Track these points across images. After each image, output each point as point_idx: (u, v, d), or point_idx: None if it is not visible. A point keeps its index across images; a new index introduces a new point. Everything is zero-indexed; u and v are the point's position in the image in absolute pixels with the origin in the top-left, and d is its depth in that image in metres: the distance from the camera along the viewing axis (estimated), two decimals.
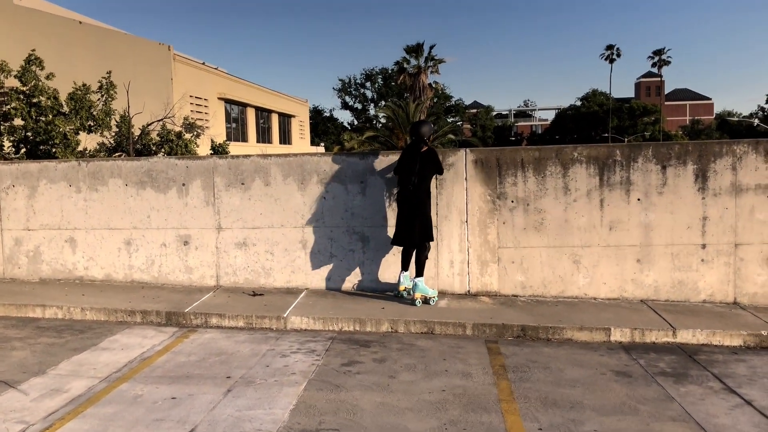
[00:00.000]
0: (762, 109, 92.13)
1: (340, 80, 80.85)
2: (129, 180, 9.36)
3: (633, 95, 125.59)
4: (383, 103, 71.92)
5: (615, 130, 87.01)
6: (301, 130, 49.89)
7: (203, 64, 32.96)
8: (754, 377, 5.96)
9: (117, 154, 20.77)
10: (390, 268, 8.75)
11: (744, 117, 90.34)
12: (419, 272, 8.11)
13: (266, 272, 9.04)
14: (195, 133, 24.52)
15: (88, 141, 19.79)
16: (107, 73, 18.96)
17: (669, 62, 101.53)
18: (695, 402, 5.38)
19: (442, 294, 8.58)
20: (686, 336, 7.01)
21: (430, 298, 8.14)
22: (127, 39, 29.20)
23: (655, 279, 8.19)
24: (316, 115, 77.08)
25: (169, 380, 5.93)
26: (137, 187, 9.33)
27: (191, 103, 29.72)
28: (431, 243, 8.32)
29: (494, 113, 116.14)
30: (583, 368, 6.21)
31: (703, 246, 8.10)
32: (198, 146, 24.59)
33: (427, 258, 8.21)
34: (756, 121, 74.34)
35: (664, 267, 8.16)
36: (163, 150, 21.92)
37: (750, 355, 6.65)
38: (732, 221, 8.05)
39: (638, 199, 8.17)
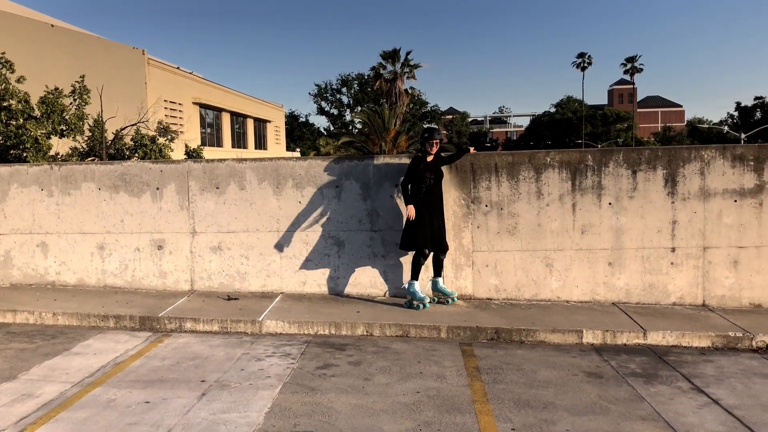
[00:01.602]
0: (731, 116, 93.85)
1: (316, 85, 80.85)
2: (102, 184, 9.28)
3: (606, 102, 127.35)
4: (359, 108, 72.00)
5: (588, 137, 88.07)
6: (276, 135, 49.77)
7: (178, 68, 32.78)
8: (722, 377, 6.09)
9: (90, 159, 20.55)
10: (365, 272, 8.78)
11: (714, 124, 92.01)
12: (413, 275, 8.21)
13: (241, 276, 9.02)
14: (169, 137, 24.35)
15: (60, 145, 19.56)
16: (80, 77, 18.77)
17: (641, 69, 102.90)
18: (664, 402, 5.49)
19: None
20: (656, 338, 7.14)
21: (417, 303, 8.12)
22: (100, 43, 28.95)
23: (627, 282, 8.32)
24: (291, 120, 76.97)
25: (142, 384, 5.90)
26: (111, 191, 9.26)
27: (166, 108, 29.52)
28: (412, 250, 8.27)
29: (470, 119, 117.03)
30: (555, 369, 6.30)
31: (673, 249, 8.26)
32: (172, 151, 24.42)
33: (417, 262, 8.16)
34: (726, 128, 75.73)
35: (635, 270, 8.30)
36: (136, 155, 21.74)
37: (717, 355, 6.79)
38: (700, 225, 8.21)
39: (609, 204, 8.30)
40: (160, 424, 5.03)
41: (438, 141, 8.16)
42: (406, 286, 8.33)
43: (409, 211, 7.91)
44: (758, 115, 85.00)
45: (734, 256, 8.18)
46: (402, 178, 8.27)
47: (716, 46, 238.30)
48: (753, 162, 8.11)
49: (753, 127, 72.56)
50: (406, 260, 8.67)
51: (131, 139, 22.11)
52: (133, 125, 22.59)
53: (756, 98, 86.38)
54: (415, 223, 7.97)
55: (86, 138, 20.84)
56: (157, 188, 9.14)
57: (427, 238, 8.03)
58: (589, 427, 4.96)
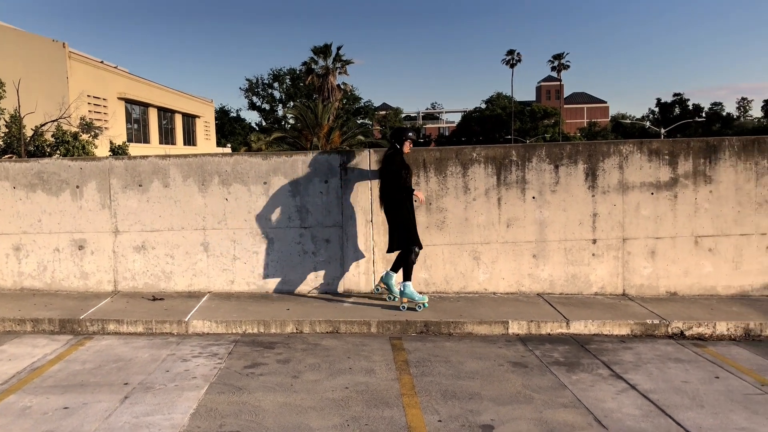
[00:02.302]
0: (652, 112, 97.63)
1: (247, 80, 79.51)
2: (17, 182, 8.89)
3: (534, 98, 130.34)
4: (292, 103, 71.45)
5: (517, 133, 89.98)
6: (206, 130, 48.80)
7: (102, 62, 31.73)
8: (639, 363, 6.34)
9: (7, 156, 19.67)
10: (295, 269, 8.72)
11: (637, 120, 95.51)
12: (406, 276, 7.92)
13: (167, 276, 8.81)
14: (93, 133, 23.57)
15: None
16: None
17: (568, 67, 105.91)
18: (585, 389, 5.67)
19: (348, 293, 8.64)
20: (579, 327, 7.37)
21: (417, 304, 7.87)
22: (16, 35, 27.70)
23: (550, 273, 8.55)
24: (222, 115, 75.54)
25: (61, 390, 5.69)
26: (27, 189, 8.88)
27: (89, 103, 28.53)
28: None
29: (403, 115, 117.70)
30: (482, 360, 6.42)
31: (594, 241, 8.53)
32: (96, 147, 23.67)
33: (409, 261, 7.90)
34: (648, 124, 78.75)
35: (558, 262, 8.54)
36: (58, 152, 20.97)
37: (636, 342, 7.06)
38: (620, 217, 8.51)
39: (533, 198, 8.50)
40: (79, 430, 4.86)
41: (413, 140, 8.11)
42: (401, 288, 7.91)
43: (420, 196, 7.87)
44: (677, 110, 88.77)
45: (651, 247, 8.52)
46: (390, 172, 7.84)
47: (639, 44, 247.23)
48: (668, 156, 8.45)
49: (672, 123, 75.74)
50: (338, 257, 8.66)
51: (52, 136, 21.30)
52: (53, 121, 21.76)
53: (675, 95, 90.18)
54: (406, 221, 7.78)
55: (3, 134, 19.94)
56: (77, 186, 8.82)
57: (417, 236, 7.87)
58: (513, 416, 5.08)
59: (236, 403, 5.36)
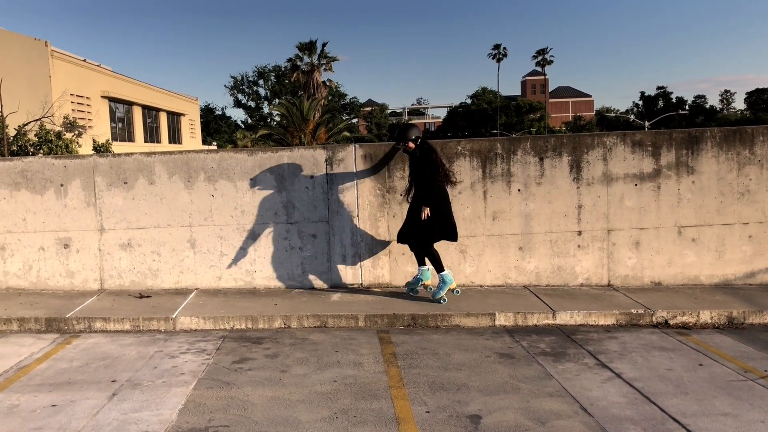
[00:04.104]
0: (636, 105, 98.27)
1: (232, 77, 79.23)
2: (1, 181, 8.82)
3: (519, 93, 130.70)
4: (277, 100, 71.20)
5: (503, 127, 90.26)
6: (191, 128, 48.58)
7: (84, 60, 31.48)
8: (624, 352, 6.41)
9: None
10: (283, 264, 8.73)
11: (621, 113, 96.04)
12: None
13: (153, 273, 8.78)
14: (76, 132, 23.41)
15: None
16: None
17: (552, 61, 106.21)
18: (571, 378, 5.72)
19: (335, 288, 8.66)
20: (565, 318, 7.43)
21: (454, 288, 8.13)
22: None
23: (536, 265, 8.61)
24: (207, 113, 75.24)
25: (49, 387, 5.68)
26: (11, 188, 8.82)
27: (72, 102, 28.32)
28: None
29: (389, 111, 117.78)
30: (469, 352, 6.46)
31: (579, 233, 8.59)
32: (80, 146, 23.54)
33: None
34: (632, 117, 79.22)
35: (544, 254, 8.59)
36: (41, 151, 20.83)
37: (621, 332, 7.13)
38: (604, 209, 8.58)
39: (519, 190, 8.55)
40: (66, 427, 4.86)
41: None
42: (441, 276, 7.98)
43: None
44: (661, 103, 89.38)
45: (636, 238, 8.59)
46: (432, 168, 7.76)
47: (623, 38, 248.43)
48: (651, 147, 8.53)
49: (656, 115, 76.23)
50: (324, 252, 8.67)
51: (35, 135, 21.15)
52: (36, 120, 21.60)
53: (658, 88, 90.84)
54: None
55: None
56: (62, 185, 8.77)
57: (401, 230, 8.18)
58: (500, 406, 5.12)
59: (225, 398, 5.37)
